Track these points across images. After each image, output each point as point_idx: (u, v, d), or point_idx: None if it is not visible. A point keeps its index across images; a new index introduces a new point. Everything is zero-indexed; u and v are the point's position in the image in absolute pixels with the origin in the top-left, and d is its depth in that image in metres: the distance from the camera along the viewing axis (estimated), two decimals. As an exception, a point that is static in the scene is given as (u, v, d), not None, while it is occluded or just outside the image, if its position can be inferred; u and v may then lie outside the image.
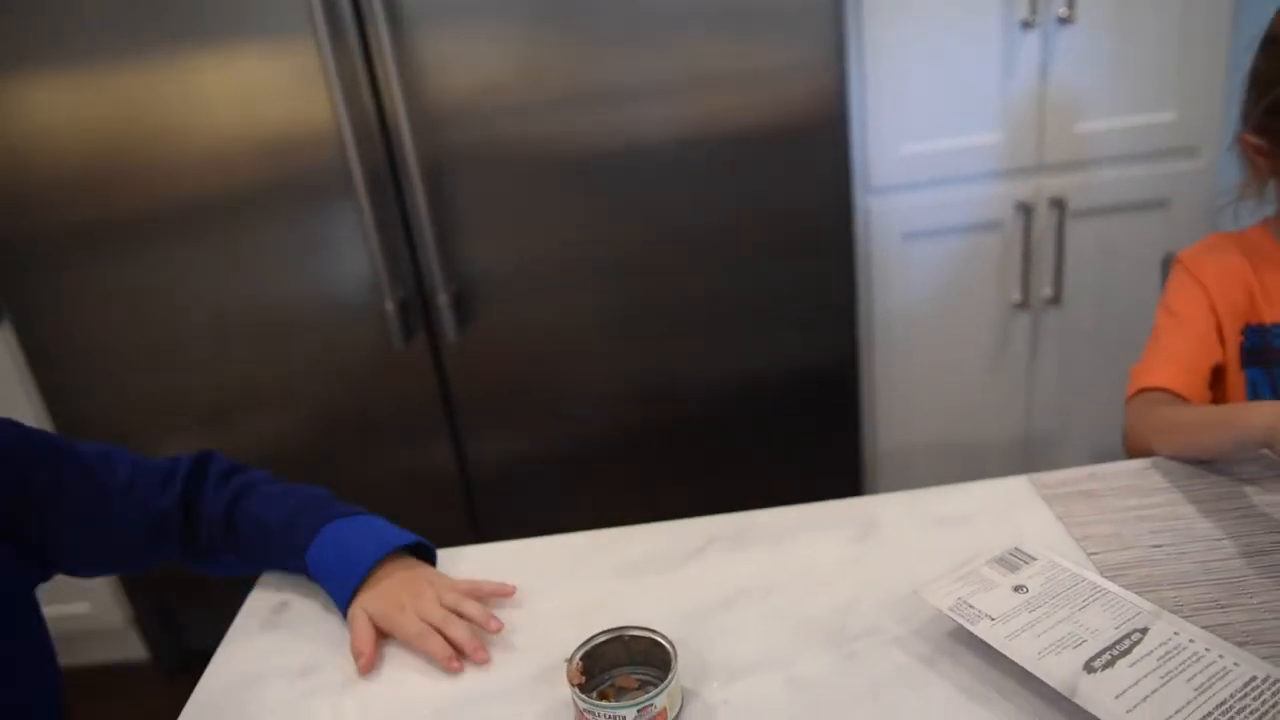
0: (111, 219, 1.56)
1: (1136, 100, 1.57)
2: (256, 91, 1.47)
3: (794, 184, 1.57)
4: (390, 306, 1.60)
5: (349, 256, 1.60)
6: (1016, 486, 0.82)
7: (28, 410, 1.69)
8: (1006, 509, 0.79)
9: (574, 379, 1.71)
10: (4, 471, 0.72)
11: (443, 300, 1.60)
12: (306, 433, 1.73)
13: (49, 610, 0.78)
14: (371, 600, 0.75)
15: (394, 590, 0.76)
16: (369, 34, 1.42)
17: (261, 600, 0.83)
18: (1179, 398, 0.89)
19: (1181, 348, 0.92)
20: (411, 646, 0.73)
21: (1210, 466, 0.82)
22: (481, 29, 1.45)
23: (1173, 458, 0.84)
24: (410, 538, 0.81)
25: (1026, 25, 1.49)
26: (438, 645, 0.72)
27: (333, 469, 1.73)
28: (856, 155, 1.60)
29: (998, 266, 1.69)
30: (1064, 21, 1.49)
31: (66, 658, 0.79)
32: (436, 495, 1.78)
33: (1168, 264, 1.07)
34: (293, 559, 0.81)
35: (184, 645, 1.88)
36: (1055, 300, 1.70)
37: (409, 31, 1.44)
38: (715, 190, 1.57)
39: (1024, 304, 1.70)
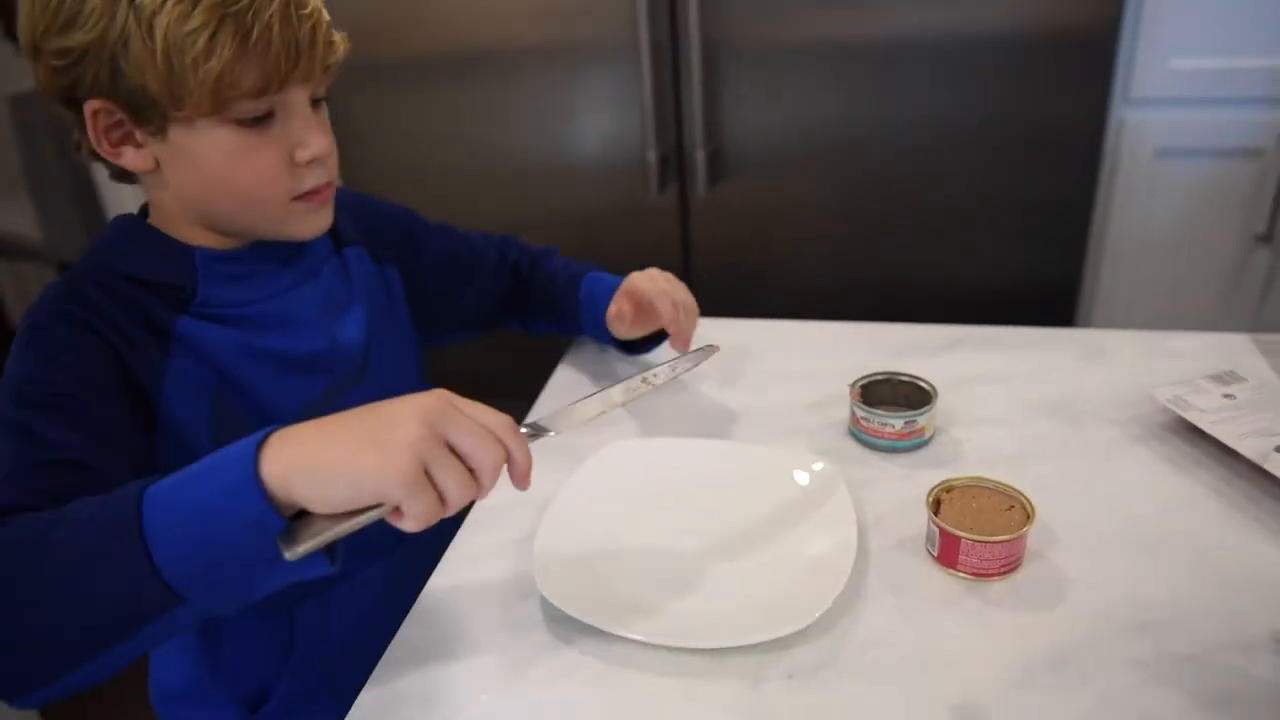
0: (407, 57, 1.83)
1: None
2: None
3: (1053, 87, 1.63)
4: (651, 157, 1.81)
5: (622, 109, 1.81)
6: (1238, 340, 0.93)
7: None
8: (1225, 353, 0.91)
9: (801, 252, 1.86)
10: (408, 243, 0.89)
11: (700, 157, 1.79)
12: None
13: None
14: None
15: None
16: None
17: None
18: None
19: None
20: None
21: None
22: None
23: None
24: None
25: (1333, -54, 1.47)
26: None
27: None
28: (1121, 63, 1.63)
29: (1249, 196, 1.69)
30: (1376, -54, 1.45)
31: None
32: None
33: None
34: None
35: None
36: (1302, 238, 1.69)
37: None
38: (970, 89, 1.65)
39: (1267, 237, 1.70)
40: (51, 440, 0.57)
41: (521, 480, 0.55)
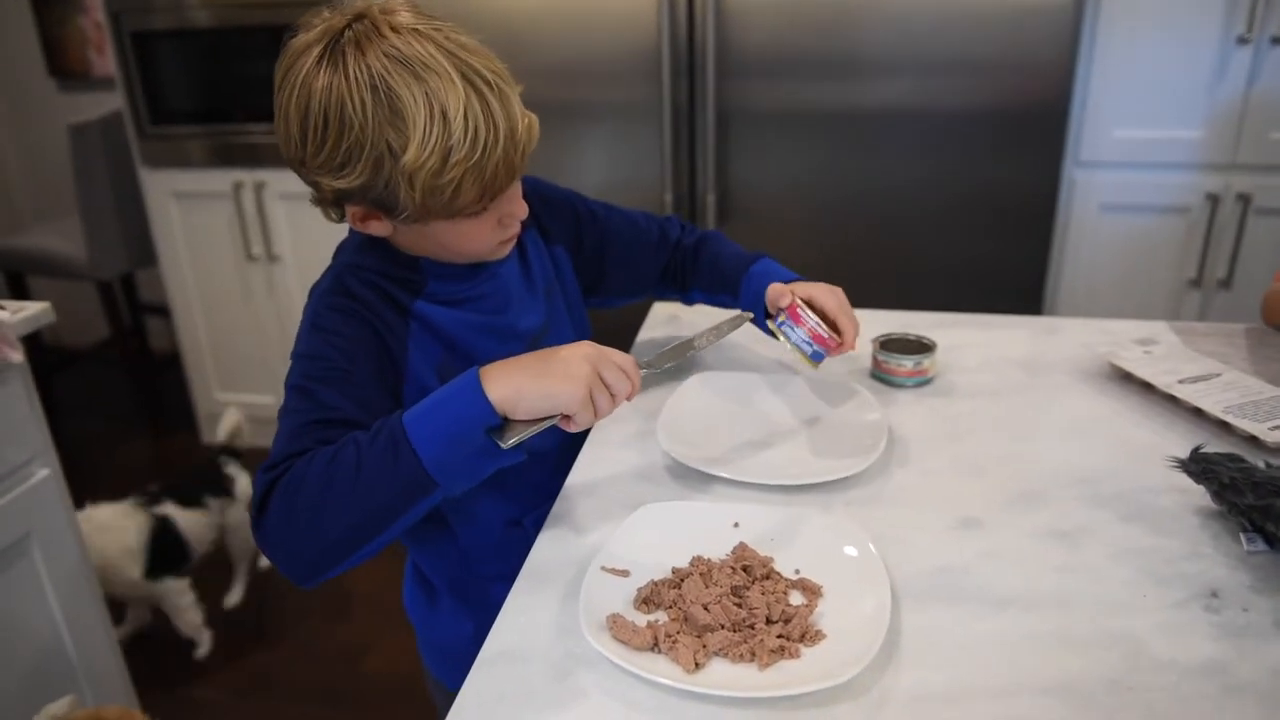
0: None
1: (1333, 120, 1.82)
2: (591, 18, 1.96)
3: (1014, 151, 1.90)
4: (669, 198, 2.06)
5: (644, 158, 2.06)
6: (1157, 324, 1.18)
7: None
8: (1148, 333, 1.16)
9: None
10: (575, 226, 1.02)
11: (710, 199, 2.04)
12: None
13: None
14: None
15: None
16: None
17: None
18: None
19: None
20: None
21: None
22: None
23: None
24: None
25: (1242, 40, 1.78)
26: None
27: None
28: (1072, 131, 1.92)
29: (1180, 246, 1.97)
30: (1277, 41, 1.77)
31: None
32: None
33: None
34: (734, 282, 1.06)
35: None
36: (1226, 283, 1.96)
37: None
38: (943, 152, 1.92)
39: (1197, 282, 1.98)
40: (327, 403, 0.76)
41: (631, 399, 0.76)
